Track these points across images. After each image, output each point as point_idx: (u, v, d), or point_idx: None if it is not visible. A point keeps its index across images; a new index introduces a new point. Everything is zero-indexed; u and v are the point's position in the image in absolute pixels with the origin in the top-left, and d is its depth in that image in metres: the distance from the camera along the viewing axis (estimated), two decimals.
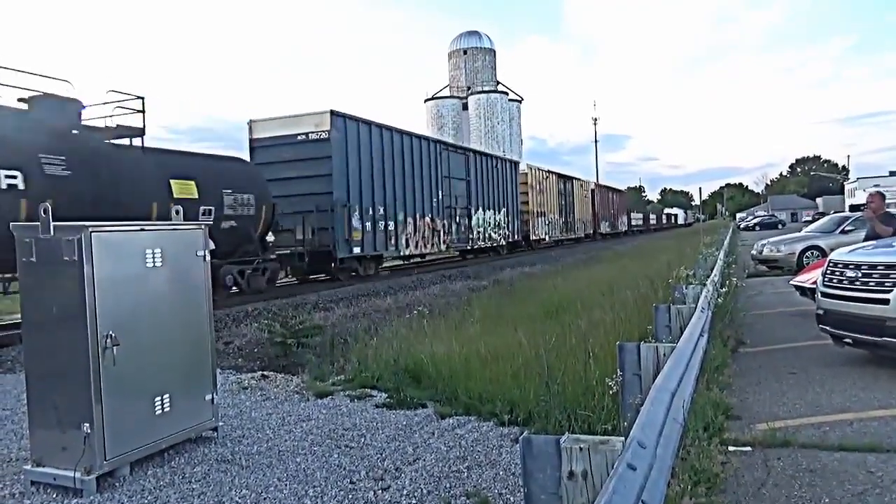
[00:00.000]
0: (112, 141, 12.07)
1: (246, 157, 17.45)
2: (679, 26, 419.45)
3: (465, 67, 67.03)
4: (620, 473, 1.97)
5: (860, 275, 6.54)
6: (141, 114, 12.15)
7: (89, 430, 4.13)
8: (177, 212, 5.20)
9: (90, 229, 4.16)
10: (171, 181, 12.19)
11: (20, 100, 10.71)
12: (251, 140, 18.22)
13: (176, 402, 4.72)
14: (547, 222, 35.59)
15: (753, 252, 19.57)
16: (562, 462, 2.17)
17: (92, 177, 10.77)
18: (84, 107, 11.46)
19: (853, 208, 33.48)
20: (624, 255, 24.81)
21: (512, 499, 3.93)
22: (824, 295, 7.02)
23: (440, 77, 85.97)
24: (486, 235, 27.55)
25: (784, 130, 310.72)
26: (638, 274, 13.07)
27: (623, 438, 2.27)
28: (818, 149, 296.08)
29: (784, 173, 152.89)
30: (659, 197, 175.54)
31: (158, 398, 4.60)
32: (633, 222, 67.44)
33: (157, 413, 4.59)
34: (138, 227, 4.66)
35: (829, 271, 7.09)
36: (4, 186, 9.56)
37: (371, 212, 18.92)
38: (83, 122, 11.50)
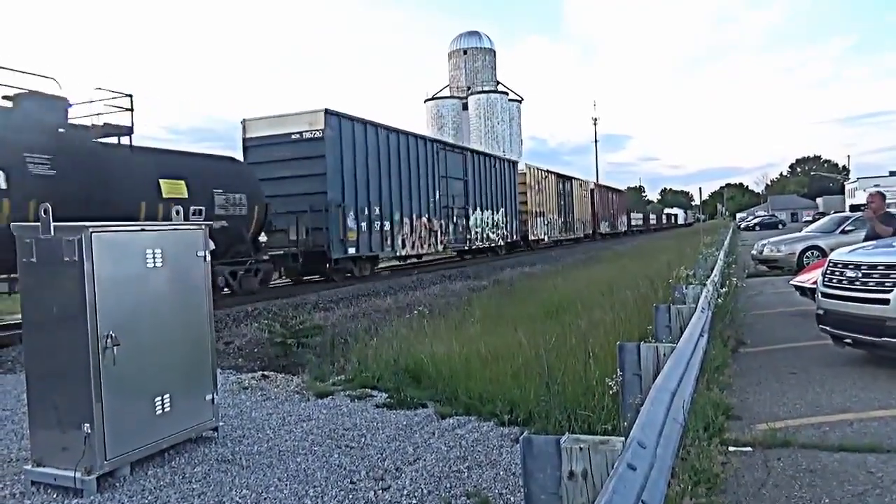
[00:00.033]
0: (100, 140, 11.80)
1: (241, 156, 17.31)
2: (679, 26, 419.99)
3: (465, 67, 66.91)
4: (620, 473, 1.97)
5: (860, 275, 6.54)
6: (129, 112, 11.91)
7: (89, 431, 4.13)
8: (177, 212, 5.21)
9: (91, 230, 4.17)
10: (161, 181, 11.97)
11: (5, 97, 10.48)
12: (244, 139, 18.06)
13: (176, 402, 4.72)
14: (546, 222, 35.52)
15: (753, 252, 19.56)
16: (562, 462, 2.18)
17: (79, 176, 10.53)
18: (71, 105, 11.20)
19: (853, 208, 33.44)
20: (624, 255, 24.79)
21: (512, 499, 3.94)
22: (824, 295, 7.03)
23: (440, 77, 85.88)
24: (484, 236, 27.40)
25: (784, 130, 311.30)
26: (638, 274, 13.06)
27: (623, 438, 2.27)
28: (818, 149, 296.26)
29: (784, 173, 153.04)
30: (659, 197, 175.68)
31: (159, 398, 4.60)
32: (633, 222, 67.41)
33: (157, 413, 4.59)
34: (139, 228, 4.68)
35: (829, 271, 7.09)
36: None
37: (366, 212, 18.76)
38: (70, 121, 11.24)
